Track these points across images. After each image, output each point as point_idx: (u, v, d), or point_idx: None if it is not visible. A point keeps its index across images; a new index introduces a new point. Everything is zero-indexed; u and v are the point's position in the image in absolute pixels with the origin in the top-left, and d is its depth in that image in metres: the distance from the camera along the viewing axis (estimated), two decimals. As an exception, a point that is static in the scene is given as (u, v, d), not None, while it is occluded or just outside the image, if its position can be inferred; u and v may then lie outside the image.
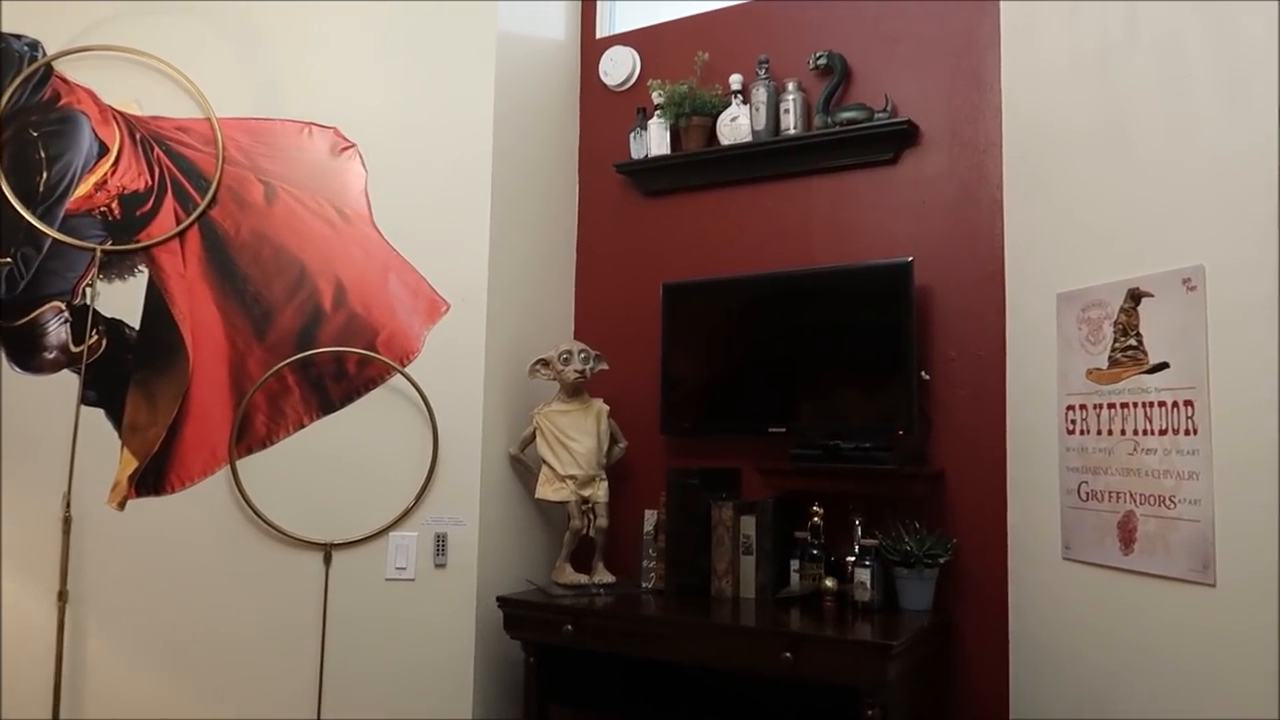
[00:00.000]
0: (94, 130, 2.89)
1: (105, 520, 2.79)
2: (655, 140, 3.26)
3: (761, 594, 2.76)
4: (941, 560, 2.61)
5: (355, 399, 2.89)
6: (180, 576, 2.80)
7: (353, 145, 2.97)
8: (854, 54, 3.01)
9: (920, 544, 2.61)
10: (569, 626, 2.68)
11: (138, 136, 2.90)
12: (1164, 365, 2.06)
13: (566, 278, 3.46)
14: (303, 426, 2.86)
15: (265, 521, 2.81)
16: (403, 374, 2.89)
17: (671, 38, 3.38)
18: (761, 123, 3.06)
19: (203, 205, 2.88)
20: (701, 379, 3.13)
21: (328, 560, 2.83)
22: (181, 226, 2.87)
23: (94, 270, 2.84)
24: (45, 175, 2.85)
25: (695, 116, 3.18)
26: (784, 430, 2.88)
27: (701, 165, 3.21)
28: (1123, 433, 2.17)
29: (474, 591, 2.86)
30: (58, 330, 2.83)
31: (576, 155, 3.53)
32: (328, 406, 2.88)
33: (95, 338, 2.83)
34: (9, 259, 2.82)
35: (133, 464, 2.81)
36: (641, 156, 3.31)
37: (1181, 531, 1.99)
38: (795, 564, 2.76)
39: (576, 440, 2.98)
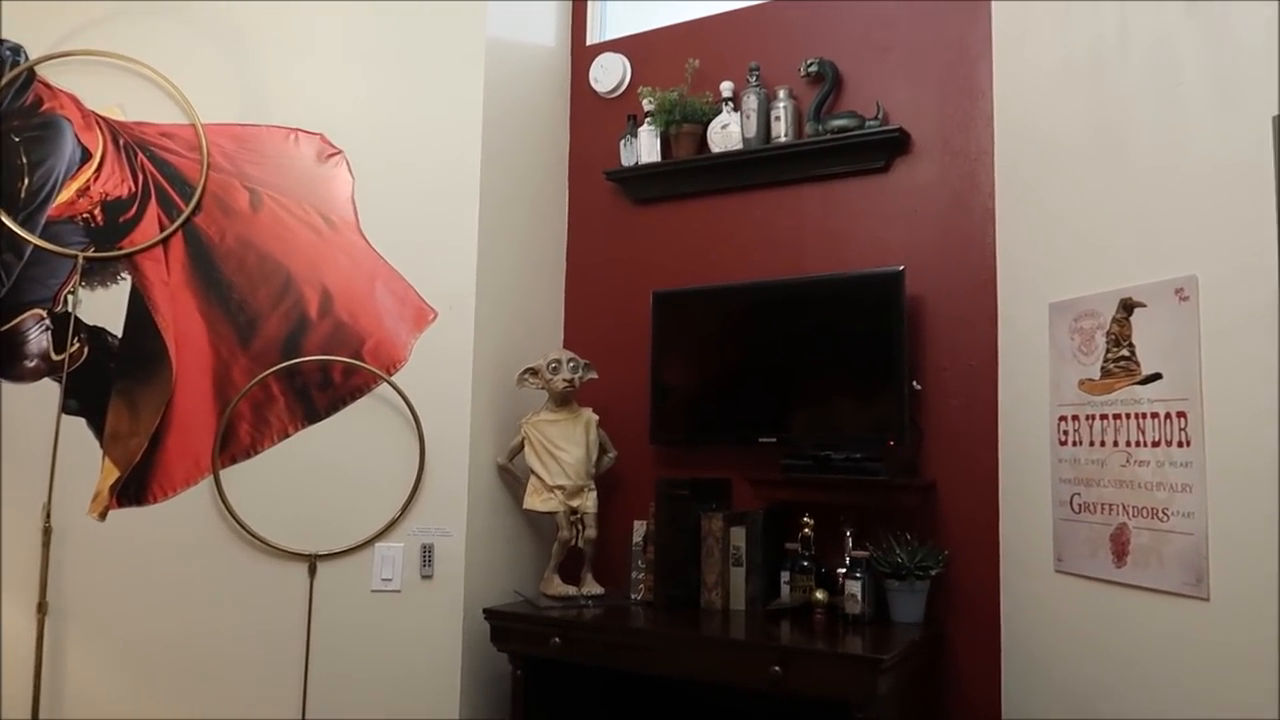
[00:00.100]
0: (77, 136, 2.86)
1: (86, 531, 2.75)
2: (645, 147, 3.24)
3: (751, 606, 2.73)
4: (933, 572, 2.58)
5: (341, 408, 2.85)
6: (162, 588, 2.76)
7: (339, 151, 2.94)
8: (845, 61, 2.99)
9: (911, 556, 2.58)
10: (556, 639, 2.64)
11: (121, 142, 2.87)
12: (1157, 376, 2.04)
13: (556, 286, 3.43)
14: (287, 436, 2.83)
15: (249, 532, 2.77)
16: (389, 383, 2.86)
17: (662, 44, 3.36)
18: (752, 130, 3.04)
19: (187, 212, 2.85)
20: (692, 388, 3.11)
21: (312, 571, 2.79)
22: (165, 233, 2.84)
23: (76, 277, 2.80)
24: (27, 181, 2.81)
25: (686, 124, 3.16)
26: (774, 440, 2.86)
27: (692, 173, 3.19)
28: (1115, 444, 2.15)
29: (461, 603, 2.82)
30: (39, 338, 2.79)
31: (566, 162, 3.50)
32: (313, 416, 2.84)
33: (77, 346, 2.79)
34: (-10, 266, 2.79)
35: (114, 474, 2.77)
36: (632, 164, 3.29)
37: (1175, 544, 1.97)
38: (785, 576, 2.73)
39: (565, 450, 2.95)
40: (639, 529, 2.97)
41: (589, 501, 2.96)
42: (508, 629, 2.77)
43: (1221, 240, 1.90)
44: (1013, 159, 2.62)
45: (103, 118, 2.88)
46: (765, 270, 3.05)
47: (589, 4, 3.57)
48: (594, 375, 3.07)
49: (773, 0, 3.18)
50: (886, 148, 2.88)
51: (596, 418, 3.05)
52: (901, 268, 2.72)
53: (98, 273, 2.83)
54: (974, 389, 2.70)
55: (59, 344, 2.78)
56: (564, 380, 2.95)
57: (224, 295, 2.84)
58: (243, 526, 2.77)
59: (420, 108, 2.99)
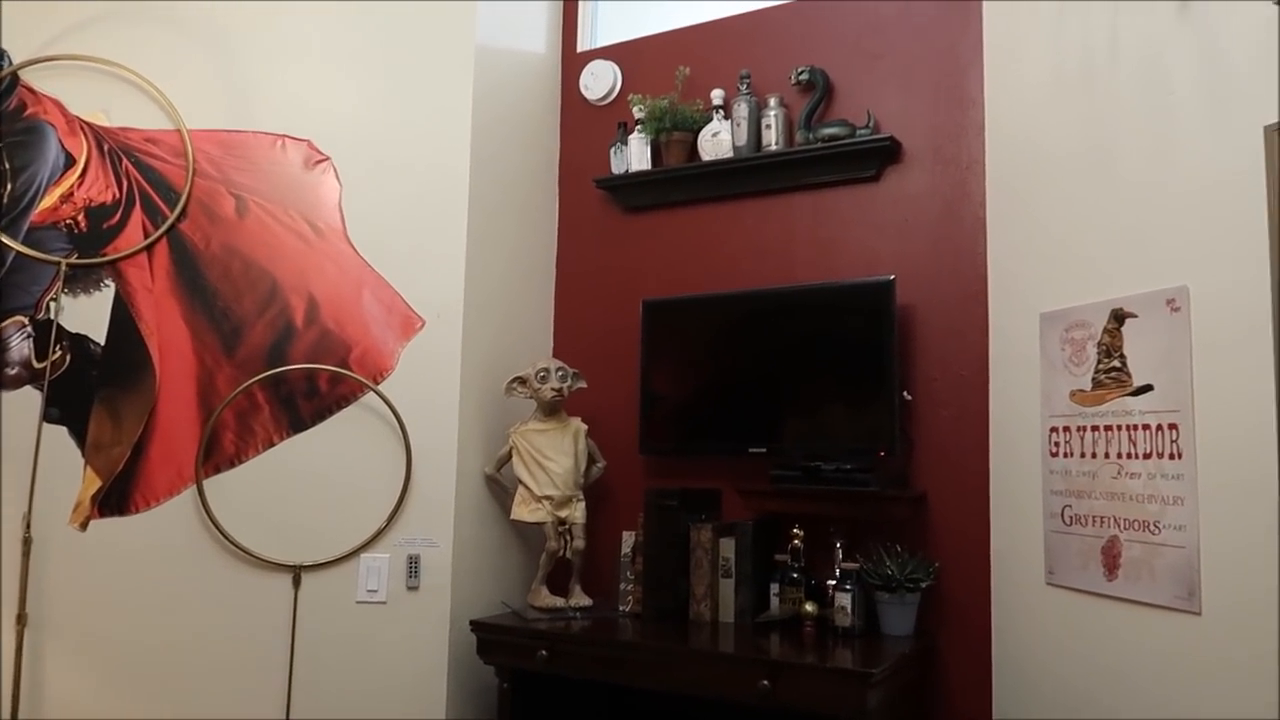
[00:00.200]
0: (60, 141, 2.83)
1: (67, 541, 2.72)
2: (636, 155, 3.22)
3: (740, 618, 2.70)
4: (923, 584, 2.56)
5: (327, 417, 2.83)
6: (144, 599, 2.72)
7: (327, 158, 2.91)
8: (836, 70, 2.98)
9: (902, 568, 2.56)
10: (543, 652, 2.61)
11: (106, 148, 2.84)
12: (1148, 387, 2.02)
13: (545, 294, 3.41)
14: (272, 445, 2.80)
15: (232, 543, 2.74)
16: (375, 392, 2.83)
17: (653, 52, 3.35)
18: (743, 138, 3.03)
19: (172, 218, 2.82)
20: (681, 398, 3.08)
21: (297, 582, 2.76)
22: (149, 240, 2.81)
23: (59, 284, 2.77)
24: (9, 187, 2.78)
25: (676, 131, 3.15)
26: (764, 450, 2.84)
27: (682, 181, 3.17)
28: (1106, 456, 2.13)
29: (447, 615, 2.79)
30: (20, 345, 2.75)
31: (556, 170, 3.48)
32: (298, 425, 2.81)
33: (59, 353, 2.76)
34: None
35: (96, 483, 2.73)
36: (622, 171, 3.27)
37: (1166, 558, 1.95)
38: (775, 587, 2.71)
39: (553, 460, 2.92)
40: (628, 540, 2.95)
41: (577, 512, 2.93)
42: (494, 641, 2.74)
43: (1213, 250, 1.89)
44: (1004, 168, 2.60)
45: (87, 123, 2.85)
46: (756, 279, 3.03)
47: (580, 11, 3.56)
48: (583, 384, 3.04)
49: (764, 8, 3.17)
50: (877, 156, 2.87)
51: (585, 427, 3.02)
52: (892, 277, 2.70)
53: (81, 279, 2.80)
54: (965, 399, 2.68)
55: (41, 351, 2.75)
56: (552, 389, 2.93)
57: (209, 302, 2.82)
58: (226, 537, 2.73)
59: (409, 114, 2.97)
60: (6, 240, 2.75)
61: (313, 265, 2.86)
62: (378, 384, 2.84)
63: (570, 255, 3.43)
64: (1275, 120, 1.76)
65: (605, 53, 3.45)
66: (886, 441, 2.64)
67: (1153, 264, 2.03)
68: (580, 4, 3.56)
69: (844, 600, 2.56)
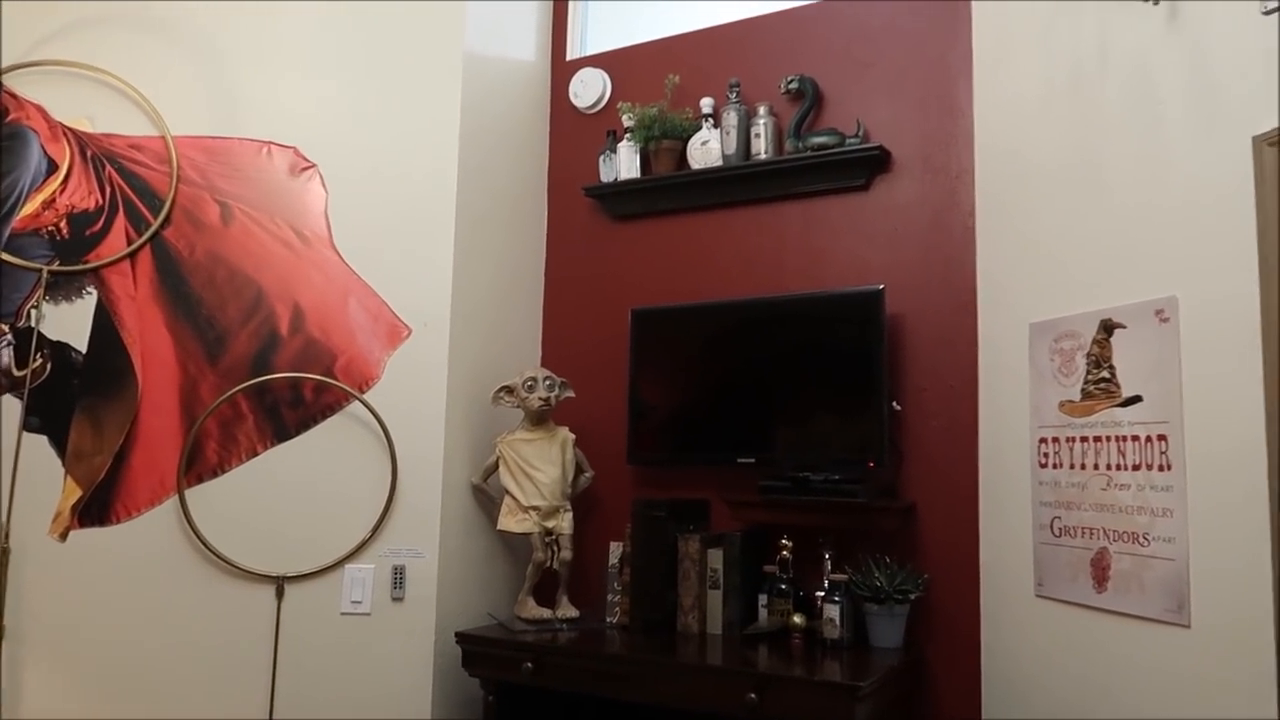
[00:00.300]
0: (43, 147, 2.80)
1: (46, 552, 2.68)
2: (625, 163, 3.21)
3: (728, 630, 2.68)
4: (912, 596, 2.54)
5: (311, 426, 2.80)
6: (125, 610, 2.69)
7: (313, 165, 2.89)
8: (826, 78, 2.97)
9: (891, 579, 2.54)
10: (529, 664, 2.58)
11: (89, 154, 2.82)
12: (1137, 398, 2.01)
13: (533, 303, 3.39)
14: (256, 454, 2.77)
15: (215, 553, 2.71)
16: (361, 401, 2.80)
17: (642, 60, 3.34)
18: (732, 147, 3.01)
19: (155, 225, 2.79)
20: (670, 407, 3.06)
21: (280, 593, 2.73)
22: (133, 247, 2.78)
23: (40, 291, 2.75)
24: (-9, 193, 2.76)
25: (665, 140, 3.13)
26: (753, 461, 2.82)
27: (671, 189, 3.16)
28: (1096, 467, 2.11)
29: (432, 626, 2.76)
30: (0, 353, 2.72)
31: (545, 178, 3.47)
32: (282, 434, 2.78)
33: (40, 361, 2.73)
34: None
35: (76, 493, 2.70)
36: (611, 180, 3.25)
37: (1156, 570, 1.94)
38: (763, 599, 2.69)
39: (541, 470, 2.90)
40: (615, 550, 2.92)
41: (565, 522, 2.90)
42: (480, 654, 2.71)
43: (1202, 261, 1.88)
44: (993, 178, 2.60)
45: (70, 129, 2.83)
46: (745, 288, 3.01)
47: (569, 19, 3.55)
48: (571, 394, 3.02)
49: (753, 16, 3.16)
50: (867, 165, 2.86)
51: (573, 437, 2.99)
52: (881, 286, 2.69)
53: (62, 287, 2.77)
54: (954, 410, 2.66)
55: (21, 359, 2.72)
56: (540, 399, 2.91)
57: (192, 310, 2.79)
58: (208, 547, 2.70)
59: (396, 122, 2.95)
60: (-13, 247, 2.72)
61: (298, 273, 2.84)
62: (363, 393, 2.81)
63: (559, 264, 3.41)
64: (1263, 130, 1.75)
65: (595, 61, 3.44)
66: (875, 452, 2.62)
67: (1141, 274, 2.02)
68: (570, 12, 3.55)
69: (832, 612, 2.54)
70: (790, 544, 2.68)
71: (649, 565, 2.76)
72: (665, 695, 2.44)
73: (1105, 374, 2.09)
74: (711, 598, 2.71)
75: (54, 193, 2.79)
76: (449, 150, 2.97)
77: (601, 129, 3.32)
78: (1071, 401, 2.19)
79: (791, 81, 2.95)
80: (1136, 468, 2.00)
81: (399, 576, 2.77)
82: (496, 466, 2.93)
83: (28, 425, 2.70)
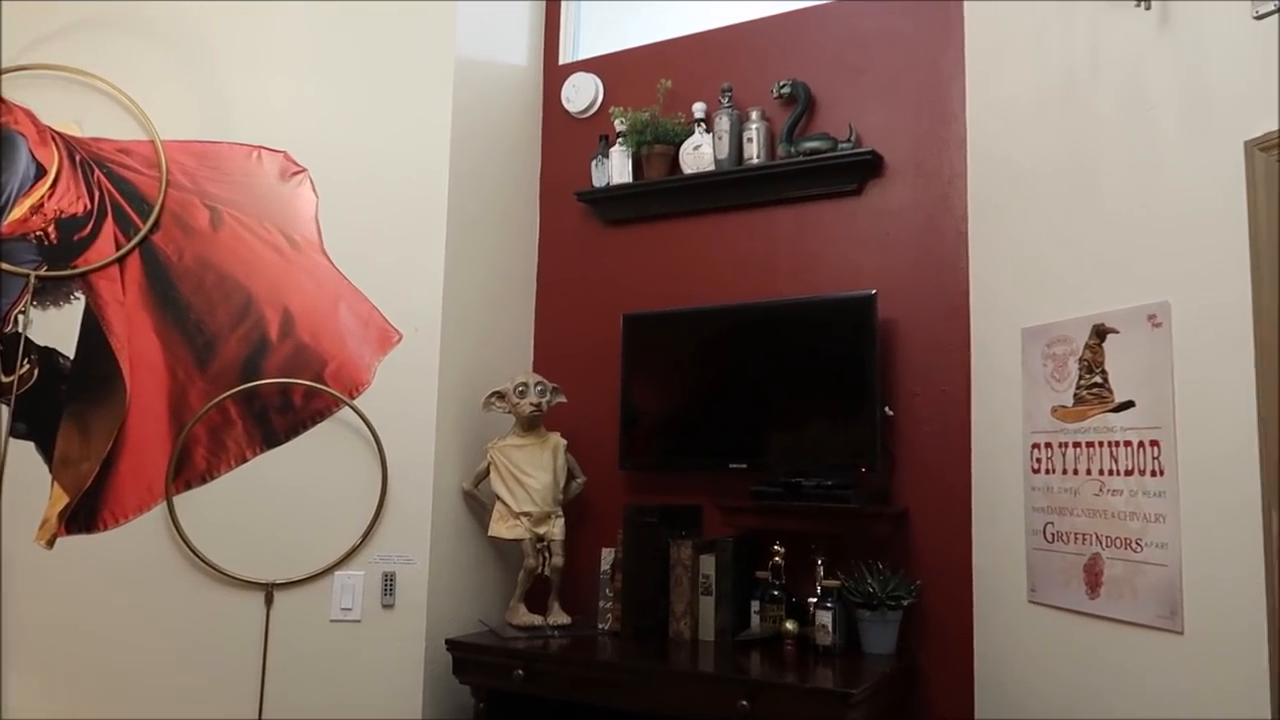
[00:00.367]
0: (31, 151, 2.79)
1: (33, 559, 2.66)
2: (617, 168, 3.20)
3: (721, 636, 2.67)
4: (905, 602, 2.53)
5: (301, 432, 2.78)
6: (113, 618, 2.67)
7: (304, 170, 2.88)
8: (818, 83, 2.97)
9: (883, 585, 2.53)
10: (520, 671, 2.57)
11: (77, 158, 2.80)
12: (1130, 404, 2.00)
13: (525, 308, 3.37)
14: (245, 461, 2.75)
15: (203, 560, 2.69)
16: (351, 407, 2.78)
17: (635, 65, 3.33)
18: (724, 151, 3.01)
19: (144, 230, 2.78)
20: (662, 413, 3.05)
21: (269, 601, 2.71)
22: (121, 252, 2.77)
23: (27, 296, 2.73)
24: (-22, 197, 2.74)
25: (658, 144, 3.12)
26: (745, 466, 2.81)
27: (664, 194, 3.15)
28: (1088, 472, 2.10)
29: (423, 633, 2.74)
30: (-13, 359, 2.71)
31: (537, 182, 3.45)
32: (272, 440, 2.77)
33: (27, 367, 2.71)
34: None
35: (63, 500, 2.68)
36: (603, 184, 3.24)
37: (1148, 576, 1.93)
38: (756, 605, 2.68)
39: (532, 475, 2.88)
40: (607, 556, 2.91)
41: (556, 528, 2.89)
42: (470, 661, 2.69)
43: (1195, 265, 1.87)
44: (985, 182, 2.59)
45: (59, 133, 2.81)
46: (737, 293, 3.00)
47: (561, 23, 3.54)
48: (562, 399, 3.01)
49: (746, 21, 3.15)
50: (859, 170, 2.85)
51: (565, 442, 2.98)
52: (874, 291, 2.68)
53: (50, 292, 2.75)
54: (947, 415, 2.66)
55: (8, 365, 2.70)
56: (531, 404, 2.89)
57: (181, 316, 2.77)
58: (197, 555, 2.68)
59: (387, 126, 2.94)
60: (-26, 252, 2.71)
61: (288, 278, 2.82)
62: (353, 399, 2.79)
63: (550, 268, 3.40)
64: (1256, 135, 1.75)
65: (587, 65, 3.43)
66: (868, 457, 2.61)
67: (1134, 279, 2.01)
68: (562, 16, 3.54)
69: (825, 618, 2.52)
70: (783, 550, 2.66)
71: (641, 571, 2.74)
72: (657, 702, 2.43)
73: (1098, 379, 2.09)
74: (704, 604, 2.70)
75: (42, 197, 2.77)
76: (440, 155, 2.95)
77: (594, 133, 3.31)
78: (1064, 407, 2.18)
79: (784, 86, 2.95)
80: (1129, 473, 1.99)
81: (389, 583, 2.76)
82: (487, 472, 2.92)
83: (14, 431, 2.68)
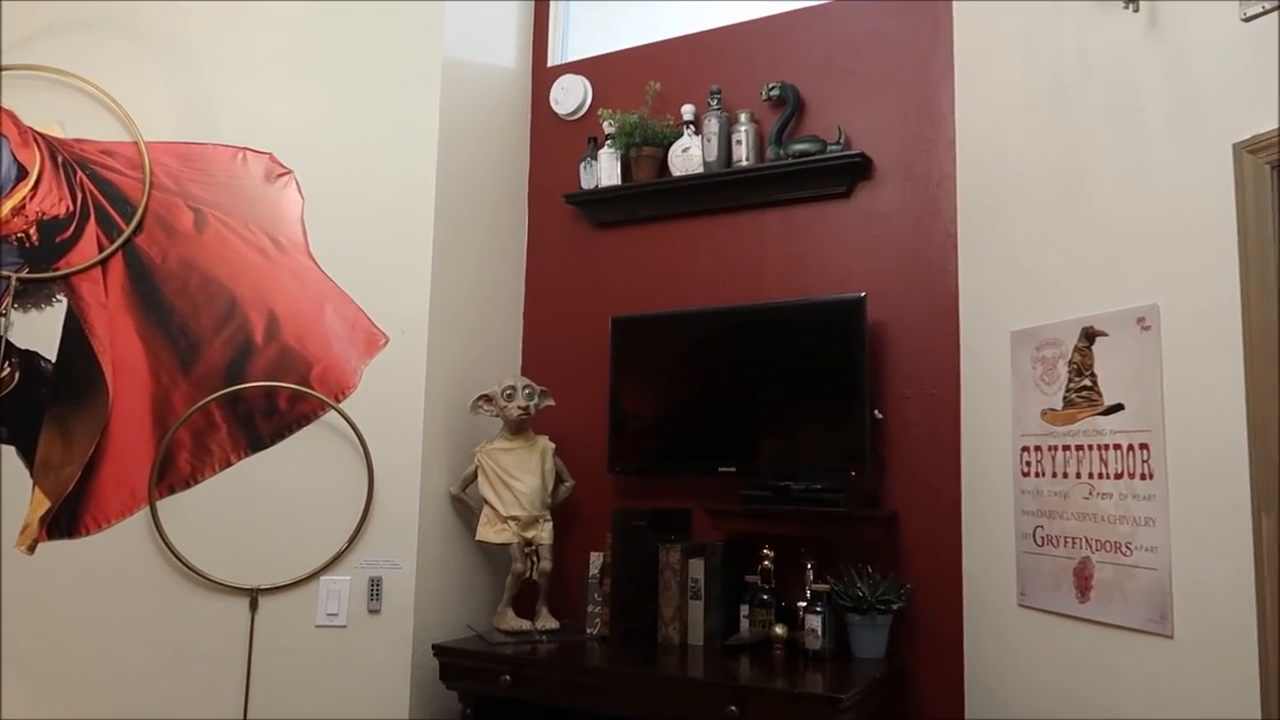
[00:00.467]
0: (13, 153, 2.76)
1: (13, 564, 2.63)
2: (606, 170, 3.18)
3: (710, 641, 2.65)
4: (895, 606, 2.52)
5: (286, 436, 2.76)
6: (95, 624, 2.64)
7: (289, 172, 2.86)
8: (807, 86, 2.96)
9: (873, 589, 2.52)
10: (507, 676, 2.55)
11: (59, 160, 2.77)
12: (1119, 407, 2.00)
13: (513, 310, 3.35)
14: (229, 465, 2.73)
15: (187, 565, 2.66)
16: (337, 410, 2.76)
17: (623, 67, 3.32)
18: (713, 154, 2.99)
19: (127, 232, 2.75)
20: (651, 416, 3.04)
21: (254, 606, 2.68)
22: (104, 254, 2.74)
23: (8, 299, 2.70)
24: (-42, 199, 2.71)
25: (646, 147, 3.11)
26: (734, 470, 2.79)
27: (652, 196, 3.13)
28: (1078, 476, 2.10)
29: (410, 638, 2.72)
30: (-33, 362, 2.68)
31: (526, 185, 3.44)
32: (257, 444, 2.74)
33: (8, 370, 2.68)
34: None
35: (44, 504, 2.65)
36: (592, 187, 3.23)
37: (1138, 580, 1.92)
38: (745, 609, 2.67)
39: (520, 479, 2.86)
40: (595, 561, 2.89)
41: (544, 533, 2.87)
42: (457, 666, 2.67)
43: (1184, 268, 1.87)
44: (974, 185, 2.59)
45: (41, 134, 2.78)
46: (726, 296, 2.99)
47: (550, 25, 3.53)
48: (551, 402, 2.99)
49: (735, 23, 3.14)
50: (848, 172, 2.84)
51: (553, 446, 2.96)
52: (863, 294, 2.67)
53: (32, 294, 2.72)
54: (936, 418, 2.65)
55: (-11, 368, 2.67)
56: (519, 407, 2.87)
57: (165, 318, 2.74)
58: (180, 559, 2.66)
59: (374, 128, 2.92)
60: (-45, 254, 2.67)
61: (273, 280, 2.80)
62: (339, 402, 2.77)
63: (539, 271, 3.38)
64: (1244, 137, 1.74)
65: (575, 67, 3.41)
66: (857, 461, 2.60)
67: (1123, 282, 2.01)
68: (551, 18, 3.53)
69: (814, 622, 2.51)
70: (772, 554, 2.65)
71: (630, 576, 2.73)
72: (646, 708, 2.41)
73: (1087, 382, 2.08)
74: (693, 608, 2.69)
75: (24, 199, 2.74)
76: (428, 156, 2.94)
77: (582, 136, 3.30)
78: (1053, 410, 2.17)
79: (773, 88, 2.94)
80: (1119, 476, 1.99)
81: (376, 588, 2.73)
82: (475, 476, 2.90)
83: (-5, 435, 2.65)
